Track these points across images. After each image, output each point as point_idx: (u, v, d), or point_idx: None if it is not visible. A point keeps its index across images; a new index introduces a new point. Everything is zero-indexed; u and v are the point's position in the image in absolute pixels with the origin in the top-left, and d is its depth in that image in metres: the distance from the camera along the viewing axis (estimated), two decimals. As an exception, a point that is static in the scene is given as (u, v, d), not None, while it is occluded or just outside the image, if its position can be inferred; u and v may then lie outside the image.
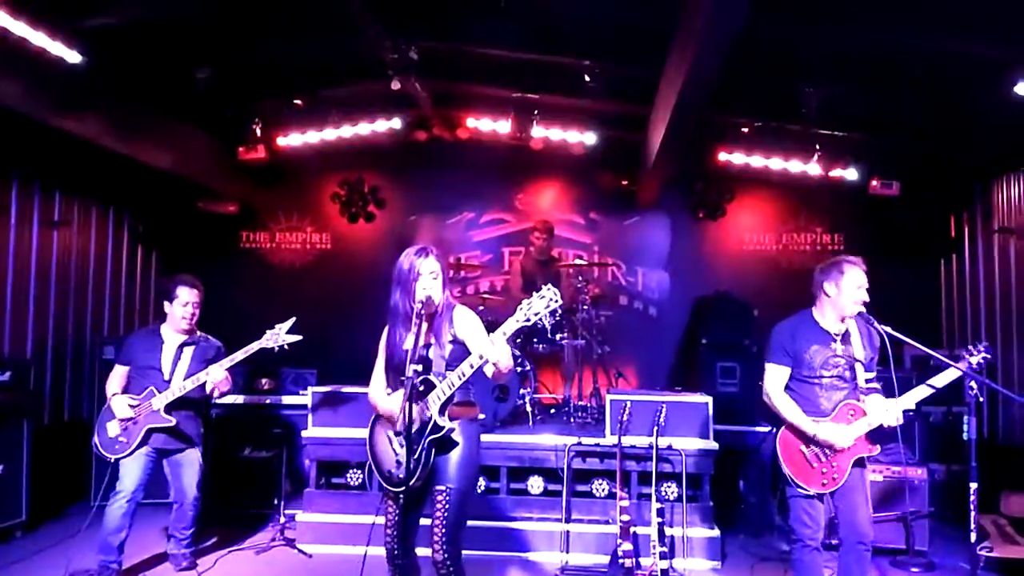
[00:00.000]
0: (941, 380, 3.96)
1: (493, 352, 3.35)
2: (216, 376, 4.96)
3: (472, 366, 3.41)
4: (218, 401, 6.73)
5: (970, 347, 3.93)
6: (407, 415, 3.20)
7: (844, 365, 3.98)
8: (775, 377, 4.08)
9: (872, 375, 4.04)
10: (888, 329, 3.86)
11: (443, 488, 3.49)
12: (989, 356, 3.87)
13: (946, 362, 3.91)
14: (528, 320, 3.35)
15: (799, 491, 3.96)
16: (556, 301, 3.34)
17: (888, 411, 3.87)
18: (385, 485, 3.59)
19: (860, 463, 3.98)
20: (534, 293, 3.38)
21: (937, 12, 5.16)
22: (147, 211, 8.55)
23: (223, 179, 8.30)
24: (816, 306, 4.09)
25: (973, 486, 3.71)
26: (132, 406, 4.93)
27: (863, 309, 3.88)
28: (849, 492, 3.95)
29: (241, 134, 7.56)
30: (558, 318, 6.77)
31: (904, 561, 5.46)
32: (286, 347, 5.00)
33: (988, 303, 7.48)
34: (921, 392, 3.97)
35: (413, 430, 3.33)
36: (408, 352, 3.37)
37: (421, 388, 3.42)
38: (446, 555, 3.43)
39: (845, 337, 4.00)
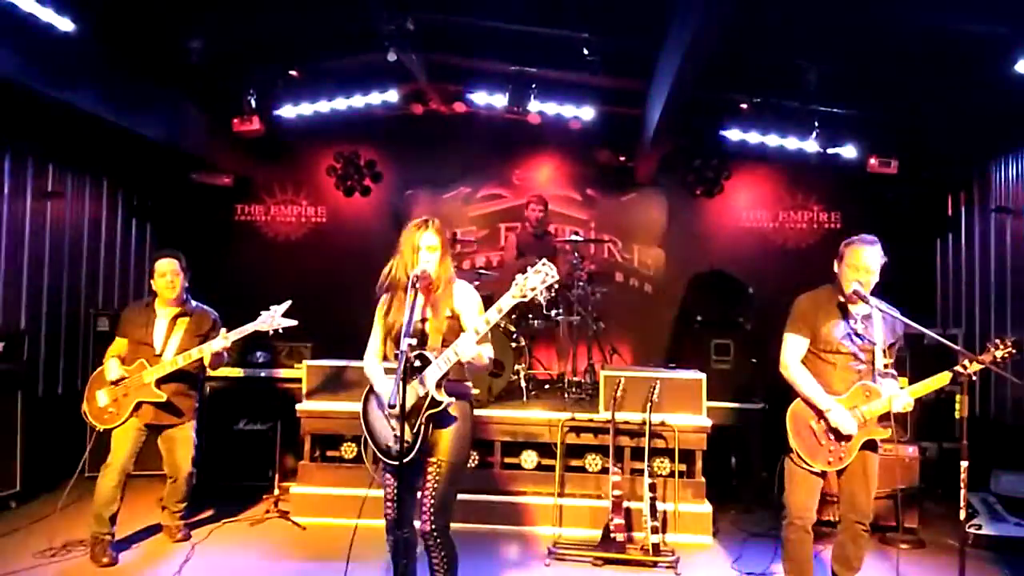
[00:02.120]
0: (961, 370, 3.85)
1: (466, 351, 3.34)
2: (209, 354, 4.94)
3: (453, 355, 3.37)
4: (213, 374, 6.73)
5: (996, 339, 3.82)
6: (402, 390, 3.19)
7: (861, 346, 3.93)
8: (793, 348, 4.04)
9: (890, 361, 3.97)
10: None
11: (435, 461, 3.49)
12: (1014, 352, 3.75)
13: (971, 356, 3.84)
14: (524, 296, 3.32)
15: (802, 466, 3.92)
16: (552, 276, 3.30)
17: (899, 397, 3.82)
18: (383, 459, 3.59)
19: (871, 444, 3.94)
20: (528, 268, 3.33)
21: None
22: (141, 183, 8.50)
23: (217, 151, 8.23)
24: (835, 283, 4.02)
25: (964, 465, 3.71)
26: (123, 376, 4.92)
27: (859, 287, 3.84)
28: (855, 472, 3.93)
29: (236, 106, 7.48)
30: (554, 293, 6.74)
31: (894, 538, 5.51)
32: (280, 331, 4.94)
33: (983, 282, 7.48)
34: (939, 380, 3.87)
35: (411, 404, 3.34)
36: (404, 324, 3.34)
37: (417, 363, 3.40)
38: (434, 526, 3.45)
39: (867, 319, 3.94)
